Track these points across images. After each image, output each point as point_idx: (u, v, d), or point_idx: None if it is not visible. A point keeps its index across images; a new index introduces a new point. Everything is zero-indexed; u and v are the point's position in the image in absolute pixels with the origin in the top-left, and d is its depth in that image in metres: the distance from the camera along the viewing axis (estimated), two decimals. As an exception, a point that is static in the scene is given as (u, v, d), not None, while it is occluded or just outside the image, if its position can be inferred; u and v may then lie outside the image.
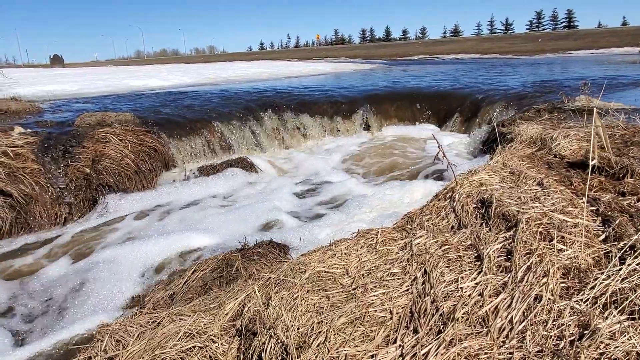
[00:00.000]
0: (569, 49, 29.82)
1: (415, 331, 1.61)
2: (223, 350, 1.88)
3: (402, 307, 1.78)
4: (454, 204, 2.64)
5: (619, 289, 1.59)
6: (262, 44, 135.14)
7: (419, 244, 2.22)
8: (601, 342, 1.37)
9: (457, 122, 7.99)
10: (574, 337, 1.44)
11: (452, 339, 1.50)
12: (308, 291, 1.96)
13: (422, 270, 1.98)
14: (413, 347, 1.52)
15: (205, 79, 15.37)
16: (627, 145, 3.59)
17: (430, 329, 1.60)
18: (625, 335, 1.39)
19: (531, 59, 23.36)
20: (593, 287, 1.62)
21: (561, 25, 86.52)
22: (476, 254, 2.02)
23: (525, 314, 1.56)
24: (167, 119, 6.76)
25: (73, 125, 6.03)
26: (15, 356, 2.52)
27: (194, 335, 1.94)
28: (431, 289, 1.81)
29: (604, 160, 2.96)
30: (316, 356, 1.56)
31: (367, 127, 8.55)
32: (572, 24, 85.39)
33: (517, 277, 1.74)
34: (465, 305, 1.66)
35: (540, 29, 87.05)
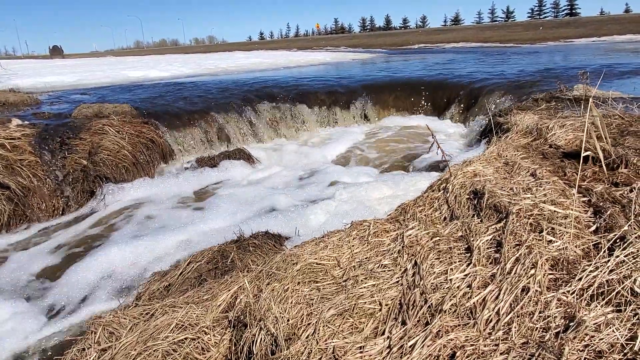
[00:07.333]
0: (571, 37, 29.54)
1: (404, 323, 1.63)
2: (215, 342, 1.90)
3: (392, 299, 1.79)
4: (447, 195, 2.64)
5: (607, 280, 1.60)
6: (261, 33, 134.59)
7: (410, 235, 2.22)
8: (586, 334, 1.38)
9: (455, 112, 7.95)
10: (559, 329, 1.45)
11: (439, 330, 1.51)
12: (299, 283, 1.97)
13: (413, 262, 1.99)
14: (400, 338, 1.54)
15: (204, 70, 15.29)
16: (624, 135, 3.58)
17: (418, 321, 1.61)
18: (610, 327, 1.39)
19: (532, 47, 23.16)
20: (580, 279, 1.63)
21: (563, 13, 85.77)
22: (466, 246, 2.02)
23: (512, 305, 1.57)
24: (165, 110, 6.75)
25: (70, 117, 6.02)
26: (9, 347, 2.54)
27: (186, 327, 1.96)
28: (421, 281, 1.82)
29: (599, 150, 2.94)
30: (305, 347, 1.57)
31: (366, 117, 8.53)
32: (574, 11, 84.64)
33: (505, 268, 1.75)
34: (453, 297, 1.67)
35: (541, 17, 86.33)
